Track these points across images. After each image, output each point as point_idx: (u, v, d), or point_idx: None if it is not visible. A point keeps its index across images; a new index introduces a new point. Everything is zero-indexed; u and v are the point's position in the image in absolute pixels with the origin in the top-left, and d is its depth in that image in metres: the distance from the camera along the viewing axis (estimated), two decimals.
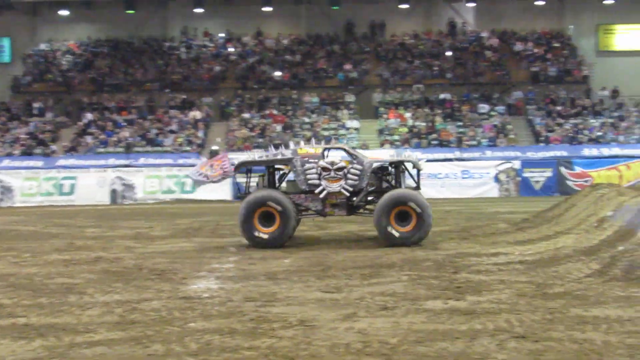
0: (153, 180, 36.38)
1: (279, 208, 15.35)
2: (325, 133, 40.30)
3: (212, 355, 7.19)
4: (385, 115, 42.16)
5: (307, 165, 15.79)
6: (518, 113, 42.27)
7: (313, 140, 17.90)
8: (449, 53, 46.49)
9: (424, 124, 40.57)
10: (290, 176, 16.74)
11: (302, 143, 17.22)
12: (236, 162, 16.25)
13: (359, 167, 15.74)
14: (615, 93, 43.30)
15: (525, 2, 47.04)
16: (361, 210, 16.66)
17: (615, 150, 35.79)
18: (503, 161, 34.76)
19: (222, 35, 49.85)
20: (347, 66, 46.07)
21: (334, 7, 46.67)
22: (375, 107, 43.56)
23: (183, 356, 7.20)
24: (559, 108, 41.28)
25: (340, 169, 15.72)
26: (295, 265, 13.21)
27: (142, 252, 15.60)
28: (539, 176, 34.10)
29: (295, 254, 14.64)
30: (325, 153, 16.10)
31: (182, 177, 35.41)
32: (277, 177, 16.71)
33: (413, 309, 9.16)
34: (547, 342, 7.52)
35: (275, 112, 43.45)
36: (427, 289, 10.55)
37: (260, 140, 39.90)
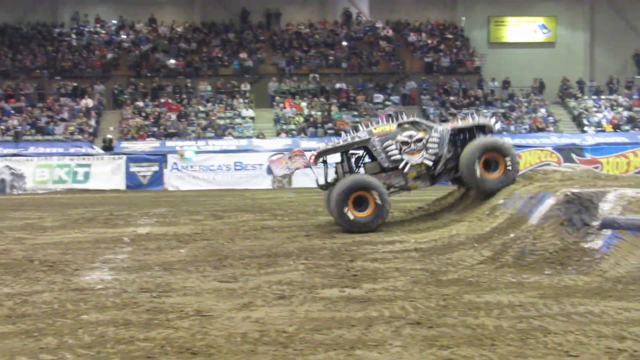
0: (44, 169, 35.44)
1: (374, 193, 15.44)
2: (221, 122, 40.00)
3: (106, 347, 7.02)
4: (281, 105, 42.15)
5: (386, 143, 16.02)
6: (412, 103, 42.87)
7: (383, 118, 17.91)
8: (344, 43, 46.75)
9: (319, 113, 40.73)
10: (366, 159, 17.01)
11: (374, 124, 17.37)
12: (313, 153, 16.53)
13: (437, 135, 16.01)
14: (506, 84, 44.35)
15: None
16: (444, 179, 16.96)
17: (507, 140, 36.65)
18: None
19: (115, 22, 48.89)
20: (243, 55, 45.84)
21: None
22: (271, 96, 43.49)
23: (76, 349, 7.00)
24: (452, 98, 42.06)
25: (419, 140, 15.99)
26: (191, 255, 13.06)
27: (32, 243, 15.16)
28: None
29: (192, 244, 14.49)
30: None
31: (74, 167, 34.59)
32: (352, 162, 16.89)
33: (310, 298, 9.16)
34: (441, 328, 7.62)
35: (169, 100, 42.90)
36: (323, 277, 10.57)
37: (155, 129, 39.31)
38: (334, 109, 40.92)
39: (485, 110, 40.04)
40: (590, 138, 36.50)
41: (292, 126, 39.50)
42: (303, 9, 48.19)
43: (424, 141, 15.99)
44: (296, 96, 42.50)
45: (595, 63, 47.74)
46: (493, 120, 17.45)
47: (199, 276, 10.82)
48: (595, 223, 11.87)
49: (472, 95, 42.48)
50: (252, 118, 41.09)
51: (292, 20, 48.07)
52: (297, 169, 16.81)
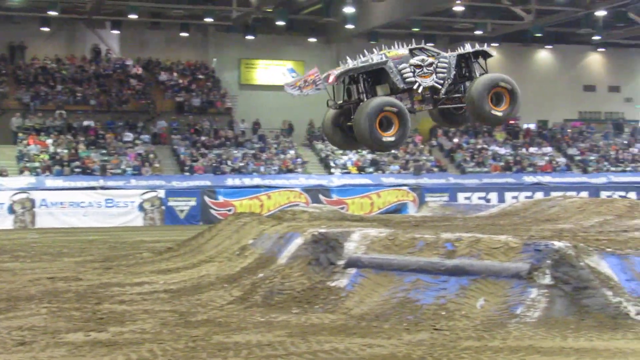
0: None
1: (396, 110, 15.84)
2: None
3: None
4: (24, 141, 40.33)
5: (402, 66, 16.38)
6: (163, 142, 42.50)
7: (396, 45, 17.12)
8: (93, 79, 45.67)
9: (66, 150, 39.39)
10: None
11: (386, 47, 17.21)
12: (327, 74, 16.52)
13: (445, 60, 16.70)
14: (256, 125, 45.10)
15: (170, 33, 47.61)
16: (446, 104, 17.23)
17: (257, 181, 37.14)
18: (148, 190, 34.69)
19: None
20: None
21: None
22: (14, 132, 41.50)
23: None
24: (203, 138, 42.15)
25: (430, 64, 16.62)
26: None
27: None
28: (183, 205, 34.46)
29: None
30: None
31: None
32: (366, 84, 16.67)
33: (53, 343, 8.75)
34: None
35: None
36: (67, 321, 10.14)
37: None
38: (82, 146, 39.77)
39: (235, 151, 40.53)
40: (336, 179, 37.87)
41: (37, 164, 37.92)
42: (50, 43, 46.62)
43: (434, 65, 16.67)
44: (41, 133, 40.90)
45: None
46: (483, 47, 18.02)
47: None
48: (341, 262, 12.23)
49: (223, 135, 42.82)
50: None
51: (37, 54, 46.35)
52: (307, 94, 16.78)
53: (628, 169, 42.14)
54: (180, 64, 47.85)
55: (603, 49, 51.35)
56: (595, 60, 52.55)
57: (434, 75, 16.78)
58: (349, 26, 42.35)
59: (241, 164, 39.56)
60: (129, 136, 41.52)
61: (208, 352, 8.29)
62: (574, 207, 17.23)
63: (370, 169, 39.94)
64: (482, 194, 35.97)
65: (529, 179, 39.44)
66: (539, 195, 33.80)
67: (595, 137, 46.95)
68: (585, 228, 14.43)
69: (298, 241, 13.06)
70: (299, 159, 40.64)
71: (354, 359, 8.23)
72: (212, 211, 34.07)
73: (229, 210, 32.70)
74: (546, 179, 39.66)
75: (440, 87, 16.79)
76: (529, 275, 10.70)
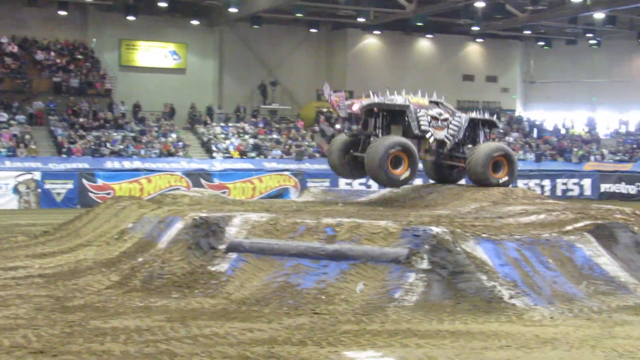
0: None
1: (408, 150, 16.91)
2: None
3: None
4: None
5: (420, 113, 17.58)
6: (39, 123, 41.27)
7: (419, 92, 18.71)
8: None
9: None
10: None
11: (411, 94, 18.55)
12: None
13: (458, 119, 18.13)
14: (137, 108, 44.33)
15: (48, 11, 46.15)
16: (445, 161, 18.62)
17: (137, 164, 36.49)
18: (23, 172, 33.64)
19: None
20: None
21: None
22: None
23: None
24: (81, 120, 41.15)
25: (445, 119, 17.96)
26: None
27: None
28: (60, 188, 33.56)
29: None
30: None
31: None
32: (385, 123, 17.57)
33: None
34: (65, 356, 7.36)
35: None
36: None
37: None
38: None
39: (115, 134, 39.75)
40: (218, 164, 37.56)
41: None
42: None
43: (449, 121, 17.98)
44: None
45: (224, 91, 49.31)
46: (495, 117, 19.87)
47: None
48: (222, 247, 12.19)
49: (102, 117, 41.87)
50: None
51: None
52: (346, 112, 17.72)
53: None
54: (58, 43, 46.50)
55: (481, 40, 52.58)
56: (474, 50, 53.80)
57: (445, 130, 18.05)
58: (232, 10, 42.03)
59: (121, 147, 38.82)
60: (3, 116, 40.14)
61: (85, 338, 8.13)
62: (451, 194, 17.63)
63: (253, 154, 39.86)
64: (363, 180, 36.39)
65: None
66: (419, 181, 34.45)
67: None
68: (462, 214, 14.80)
69: (178, 225, 12.94)
70: (180, 143, 40.17)
71: (234, 343, 8.22)
72: (91, 194, 33.31)
73: (108, 194, 32.05)
74: None
75: (448, 142, 18.12)
76: (407, 260, 10.91)
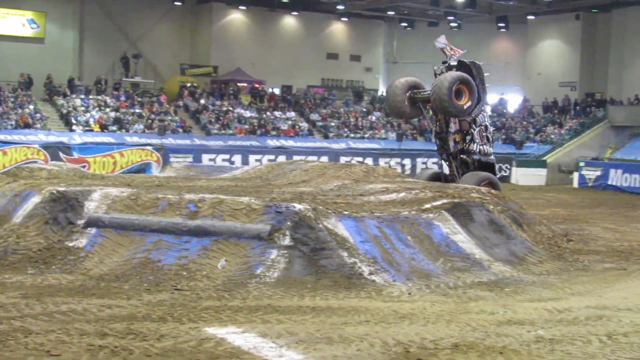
0: None
1: (469, 85, 19.19)
2: None
3: None
4: None
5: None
6: None
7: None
8: None
9: None
10: None
11: None
12: None
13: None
14: None
15: None
16: None
17: None
18: None
19: None
20: None
21: None
22: None
23: None
24: None
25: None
26: None
27: None
28: None
29: None
30: None
31: None
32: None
33: None
34: None
35: None
36: None
37: None
38: None
39: None
40: (78, 137, 36.55)
41: None
42: None
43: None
44: None
45: (84, 62, 48.00)
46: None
47: None
48: (81, 222, 11.92)
49: None
50: None
51: None
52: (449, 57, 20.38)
53: (366, 136, 44.04)
54: None
55: (346, 19, 53.11)
56: (338, 29, 54.26)
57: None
58: None
59: None
60: None
61: None
62: (314, 171, 17.77)
63: (114, 128, 39.03)
64: (227, 156, 36.20)
65: (272, 142, 40.19)
66: (282, 158, 34.55)
67: (336, 104, 48.60)
68: (324, 192, 14.94)
69: (35, 200, 12.54)
70: (37, 114, 38.90)
71: (91, 320, 8.06)
72: None
73: None
74: (289, 143, 40.61)
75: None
76: (269, 236, 10.95)
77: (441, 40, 20.64)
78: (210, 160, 35.25)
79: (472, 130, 19.94)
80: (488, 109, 21.97)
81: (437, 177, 20.29)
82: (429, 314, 8.98)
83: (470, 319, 8.74)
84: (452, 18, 50.73)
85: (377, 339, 7.74)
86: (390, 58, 55.70)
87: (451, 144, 20.23)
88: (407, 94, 20.05)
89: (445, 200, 13.64)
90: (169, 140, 37.61)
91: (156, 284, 9.99)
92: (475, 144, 19.97)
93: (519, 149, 40.85)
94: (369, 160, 37.00)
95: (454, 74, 19.26)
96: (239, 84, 47.86)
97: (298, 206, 11.48)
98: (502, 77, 53.37)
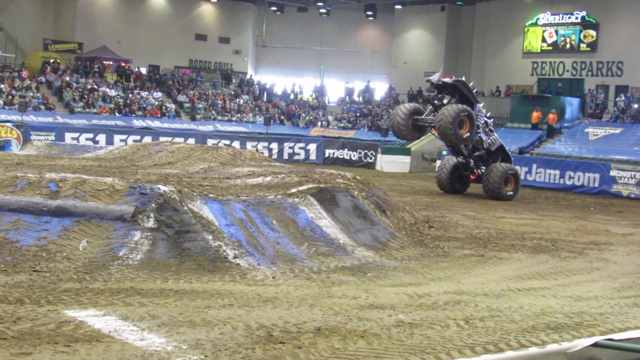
0: None
1: (471, 117, 22.77)
2: None
3: None
4: None
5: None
6: None
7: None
8: None
9: None
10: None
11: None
12: None
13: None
14: None
15: None
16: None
17: None
18: None
19: None
20: None
21: None
22: None
23: None
24: None
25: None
26: None
27: None
28: None
29: None
30: None
31: None
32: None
33: None
34: None
35: None
36: None
37: None
38: None
39: None
40: None
41: None
42: None
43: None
44: None
45: None
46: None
47: None
48: None
49: None
50: None
51: None
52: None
53: (234, 119, 43.89)
54: None
55: (215, 0, 52.71)
56: (207, 10, 53.74)
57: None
58: None
59: None
60: None
61: None
62: (180, 153, 17.62)
63: None
64: (91, 135, 35.34)
65: (138, 122, 39.51)
66: (148, 139, 34.01)
67: (204, 86, 48.22)
68: (190, 174, 14.83)
69: None
70: None
71: None
72: None
73: None
74: (155, 123, 40.02)
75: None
76: (133, 218, 10.79)
77: (436, 77, 24.18)
78: (73, 139, 34.32)
79: (479, 134, 23.94)
80: (480, 106, 24.77)
81: (457, 167, 25.21)
82: (292, 298, 9.05)
83: (333, 303, 8.87)
84: (321, 4, 51.08)
85: (241, 322, 7.75)
86: (260, 42, 55.60)
87: (464, 150, 24.43)
88: (410, 120, 23.49)
89: (310, 185, 13.76)
90: (30, 117, 36.42)
91: (14, 265, 9.68)
92: (484, 141, 24.13)
93: (384, 136, 41.47)
94: (237, 144, 36.88)
95: (457, 107, 22.47)
96: (104, 62, 46.78)
97: (163, 188, 11.35)
98: (369, 65, 54.19)
